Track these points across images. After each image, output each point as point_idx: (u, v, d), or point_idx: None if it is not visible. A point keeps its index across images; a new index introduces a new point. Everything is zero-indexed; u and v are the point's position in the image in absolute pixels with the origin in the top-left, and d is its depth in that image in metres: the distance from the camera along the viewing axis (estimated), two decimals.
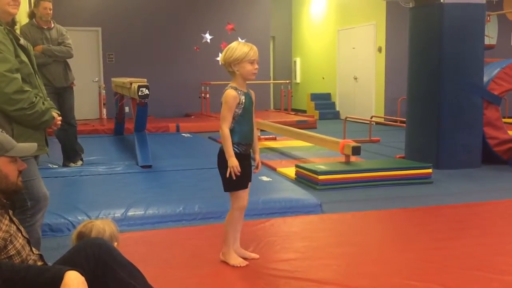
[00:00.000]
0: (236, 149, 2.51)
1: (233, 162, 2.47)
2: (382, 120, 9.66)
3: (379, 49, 10.88)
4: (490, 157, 5.79)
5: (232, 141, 2.50)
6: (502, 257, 2.75)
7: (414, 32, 5.89)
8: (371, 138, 8.01)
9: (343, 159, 5.34)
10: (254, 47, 2.53)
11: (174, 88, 11.41)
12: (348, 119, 8.47)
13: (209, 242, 2.97)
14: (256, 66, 2.53)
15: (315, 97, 12.85)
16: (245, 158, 2.56)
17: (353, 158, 5.38)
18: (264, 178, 4.49)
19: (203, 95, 11.16)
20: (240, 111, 2.52)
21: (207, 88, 11.04)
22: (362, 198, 4.36)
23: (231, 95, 2.50)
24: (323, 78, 13.13)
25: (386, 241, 3.12)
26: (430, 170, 4.99)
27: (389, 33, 10.56)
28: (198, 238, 3.10)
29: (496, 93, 5.77)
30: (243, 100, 2.52)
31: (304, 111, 12.78)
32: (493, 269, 2.55)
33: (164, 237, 3.15)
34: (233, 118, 2.51)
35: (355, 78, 11.77)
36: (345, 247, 2.87)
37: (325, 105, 12.64)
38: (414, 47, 5.89)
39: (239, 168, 2.47)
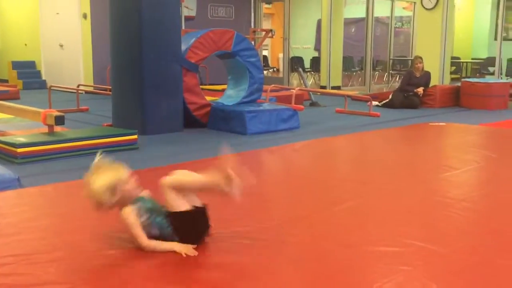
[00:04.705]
0: None
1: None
2: (90, 89, 9.49)
3: (84, 16, 10.58)
4: (191, 121, 6.24)
5: None
6: None
7: None
8: (79, 107, 7.82)
9: (47, 130, 5.10)
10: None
11: None
12: (53, 88, 8.08)
13: None
14: None
15: (17, 65, 11.87)
16: None
17: (58, 128, 5.19)
18: None
19: None
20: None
21: None
22: (66, 168, 4.25)
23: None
24: (26, 44, 12.19)
25: (86, 209, 3.10)
26: (135, 136, 5.14)
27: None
28: None
29: (193, 61, 6.21)
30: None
31: (6, 81, 11.72)
32: None
33: None
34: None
35: (61, 46, 11.24)
36: (43, 220, 2.76)
37: (29, 74, 11.80)
38: (114, 15, 5.91)
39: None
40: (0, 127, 5.89)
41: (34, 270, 2.14)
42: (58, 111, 5.32)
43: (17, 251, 2.32)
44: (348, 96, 8.51)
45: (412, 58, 9.86)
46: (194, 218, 2.38)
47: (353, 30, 13.55)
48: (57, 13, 11.23)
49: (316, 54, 13.86)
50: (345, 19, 12.39)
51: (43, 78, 11.78)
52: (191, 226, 2.38)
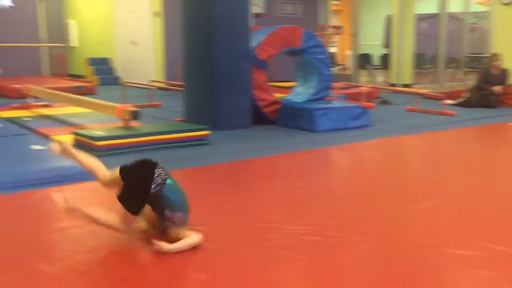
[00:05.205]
0: None
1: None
2: (162, 85, 9.75)
3: (156, 13, 10.87)
4: (260, 118, 6.28)
5: None
6: (266, 207, 3.05)
7: None
8: (152, 103, 8.05)
9: (122, 124, 5.28)
10: None
11: None
12: (127, 84, 8.36)
13: None
14: None
15: (93, 61, 12.37)
16: None
17: (133, 123, 5.36)
18: (37, 147, 4.23)
19: None
20: None
21: None
22: None
23: None
24: (102, 42, 12.68)
25: None
26: (206, 132, 5.22)
27: None
28: None
29: (262, 58, 6.24)
30: None
31: (83, 77, 12.24)
32: (259, 218, 2.82)
33: None
34: None
35: (134, 43, 11.62)
36: None
37: (104, 70, 12.26)
38: (186, 12, 6.04)
39: None
40: (79, 121, 6.15)
41: None
42: (134, 106, 5.50)
43: (98, 242, 2.44)
44: (420, 94, 8.30)
45: (488, 55, 9.47)
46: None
47: (425, 26, 13.17)
48: (130, 11, 11.61)
49: (385, 51, 13.59)
50: (417, 15, 12.07)
51: (117, 74, 12.21)
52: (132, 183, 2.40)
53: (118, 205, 2.33)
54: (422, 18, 13.07)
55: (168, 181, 2.40)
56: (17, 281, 2.05)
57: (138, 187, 2.37)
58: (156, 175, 2.37)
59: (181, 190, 2.49)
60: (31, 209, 2.93)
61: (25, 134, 5.02)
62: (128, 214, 2.33)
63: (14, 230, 2.59)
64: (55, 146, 2.67)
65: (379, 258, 2.29)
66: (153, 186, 2.35)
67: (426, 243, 2.46)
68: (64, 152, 2.66)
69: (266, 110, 6.31)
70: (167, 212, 2.39)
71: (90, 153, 4.49)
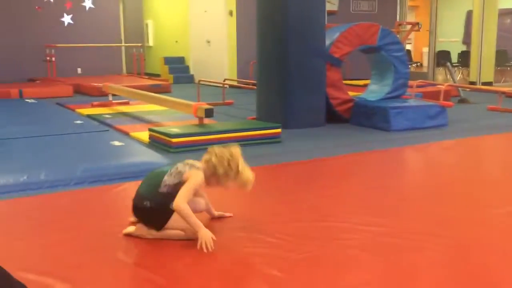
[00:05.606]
0: None
1: (207, 234, 2.31)
2: (235, 83, 9.85)
3: (230, 13, 10.99)
4: (333, 116, 6.20)
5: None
6: (340, 206, 3.00)
7: None
8: (225, 101, 8.15)
9: (197, 121, 5.38)
10: None
11: (14, 51, 10.57)
12: (201, 82, 8.51)
13: (56, 210, 2.86)
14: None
15: (169, 60, 12.70)
16: None
17: (206, 121, 5.45)
18: (116, 143, 4.38)
19: (48, 58, 10.47)
20: None
21: (52, 51, 10.37)
22: None
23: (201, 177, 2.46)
24: (176, 41, 12.99)
25: (235, 198, 3.22)
26: (279, 130, 5.22)
27: None
28: (44, 207, 2.95)
29: (337, 56, 6.16)
30: None
31: (158, 75, 12.60)
32: (333, 217, 2.77)
33: (7, 208, 2.96)
34: None
35: (208, 42, 11.81)
36: None
37: (179, 69, 12.56)
38: (261, 11, 6.06)
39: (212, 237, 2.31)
40: (155, 118, 6.34)
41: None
42: (207, 104, 5.58)
43: None
44: (503, 92, 7.90)
45: None
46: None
47: (508, 21, 12.54)
48: (205, 11, 11.81)
49: (464, 48, 13.06)
50: (500, 9, 11.51)
51: (191, 73, 12.47)
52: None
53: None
54: (505, 13, 12.46)
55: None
56: (99, 273, 2.13)
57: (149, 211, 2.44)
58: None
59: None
60: (111, 202, 3.04)
61: (105, 130, 5.22)
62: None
63: (95, 222, 2.69)
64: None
65: (459, 263, 2.19)
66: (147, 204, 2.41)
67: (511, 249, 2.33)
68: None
69: (339, 108, 6.23)
70: (163, 189, 2.44)
71: (166, 150, 4.65)
